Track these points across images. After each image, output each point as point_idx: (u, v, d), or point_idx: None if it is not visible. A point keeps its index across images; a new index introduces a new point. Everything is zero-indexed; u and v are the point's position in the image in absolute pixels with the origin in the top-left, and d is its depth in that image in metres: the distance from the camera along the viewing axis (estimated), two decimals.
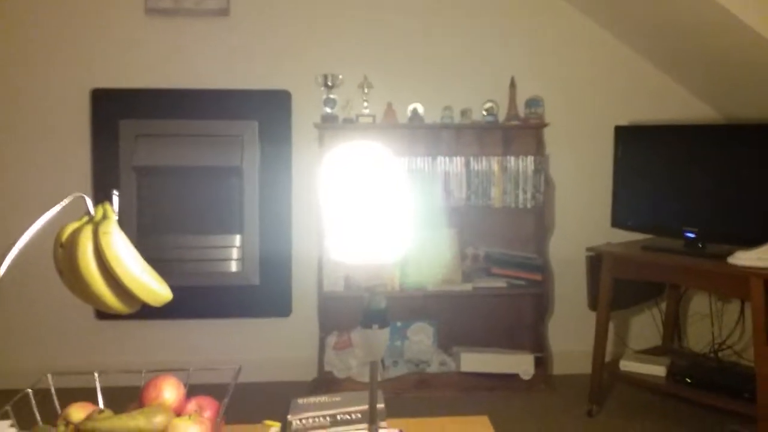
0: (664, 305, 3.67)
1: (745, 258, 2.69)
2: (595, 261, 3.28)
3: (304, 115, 3.65)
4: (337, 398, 1.27)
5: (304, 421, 1.19)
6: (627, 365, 3.23)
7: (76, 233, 1.09)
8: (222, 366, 1.38)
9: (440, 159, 3.54)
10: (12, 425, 1.26)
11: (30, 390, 1.23)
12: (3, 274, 1.02)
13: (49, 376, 1.28)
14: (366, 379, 3.40)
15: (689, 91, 3.74)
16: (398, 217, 0.81)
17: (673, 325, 3.65)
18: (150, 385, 1.20)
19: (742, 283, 2.70)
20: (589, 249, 3.31)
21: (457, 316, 3.76)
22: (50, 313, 3.64)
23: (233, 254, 3.64)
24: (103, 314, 3.60)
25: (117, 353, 3.68)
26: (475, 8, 3.68)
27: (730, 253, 2.76)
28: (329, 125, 3.53)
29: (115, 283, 1.09)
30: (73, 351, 3.67)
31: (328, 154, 0.82)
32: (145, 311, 1.24)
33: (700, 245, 3.03)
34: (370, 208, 0.80)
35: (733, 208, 2.95)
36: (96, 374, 1.31)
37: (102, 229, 1.08)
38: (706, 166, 3.03)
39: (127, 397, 1.26)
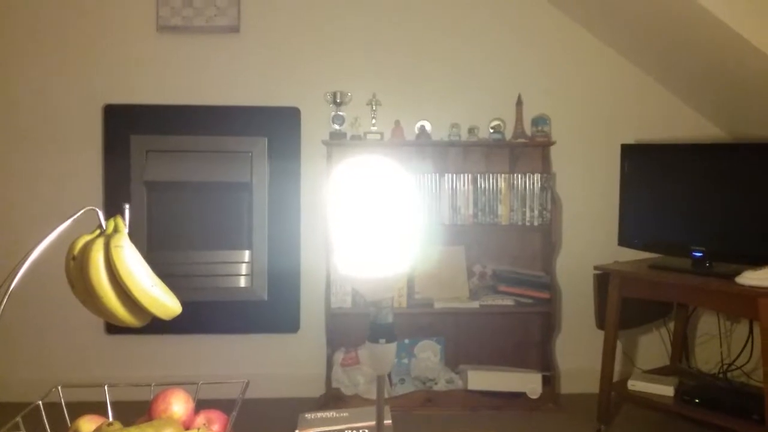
0: (672, 324, 3.66)
1: (753, 278, 2.67)
2: (603, 279, 3.26)
3: (312, 131, 3.68)
4: (344, 413, 1.27)
5: None
6: (635, 385, 3.21)
7: (87, 246, 1.10)
8: (230, 380, 1.38)
9: (447, 176, 3.56)
10: None
11: (40, 402, 1.24)
12: (16, 286, 1.03)
13: (59, 388, 1.29)
14: (373, 396, 3.39)
15: (695, 110, 3.74)
16: (405, 231, 0.82)
17: (682, 345, 3.63)
18: (159, 398, 1.21)
19: (750, 302, 2.68)
20: (596, 267, 3.29)
21: (465, 333, 3.75)
22: (61, 326, 3.65)
23: (242, 270, 3.65)
24: (113, 329, 3.61)
25: (127, 368, 3.69)
26: (483, 27, 3.71)
27: (738, 272, 2.74)
28: (337, 142, 3.55)
29: (125, 296, 1.11)
30: (83, 365, 3.68)
31: (336, 168, 0.83)
32: (155, 326, 1.25)
33: (708, 264, 3.02)
34: (377, 222, 0.81)
35: (740, 227, 2.94)
36: (106, 387, 1.32)
37: (113, 242, 1.10)
38: (714, 185, 3.03)
39: (136, 411, 1.27)
